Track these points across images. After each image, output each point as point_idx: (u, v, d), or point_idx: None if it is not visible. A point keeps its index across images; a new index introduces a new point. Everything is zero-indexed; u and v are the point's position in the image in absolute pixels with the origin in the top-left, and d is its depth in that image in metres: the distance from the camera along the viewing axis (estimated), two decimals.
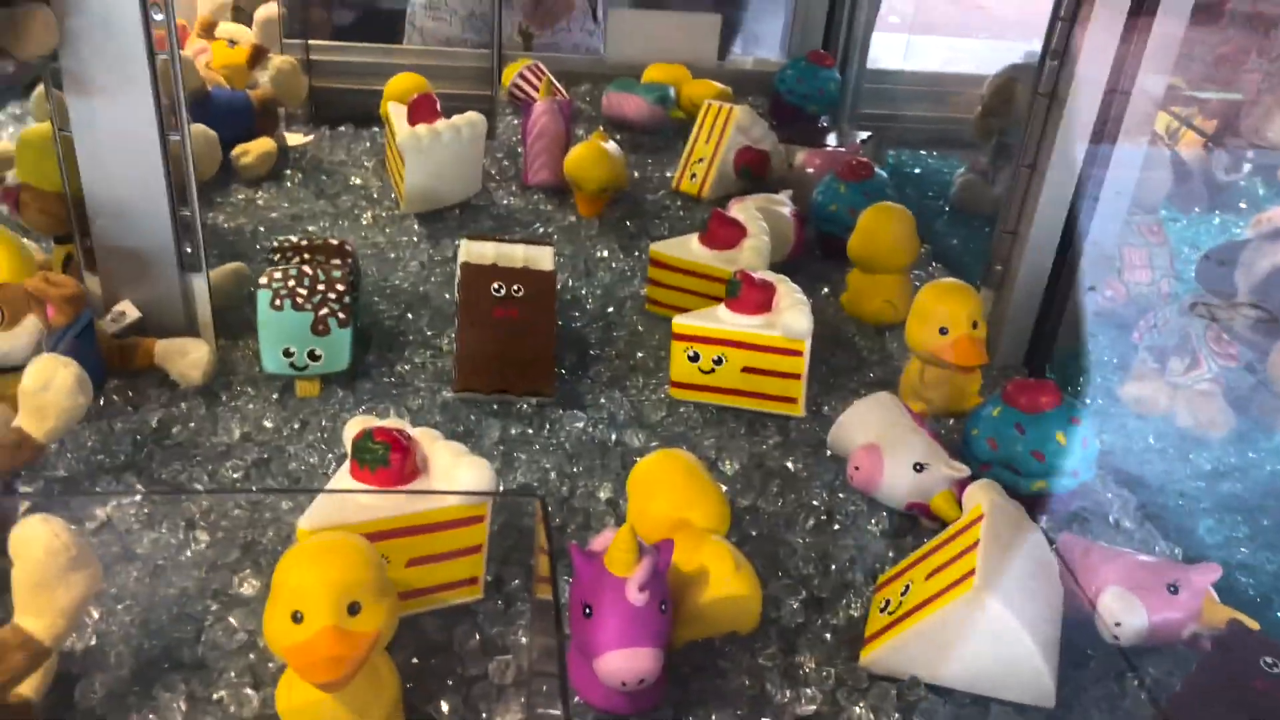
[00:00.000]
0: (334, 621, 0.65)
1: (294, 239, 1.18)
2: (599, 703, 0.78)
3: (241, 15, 1.76)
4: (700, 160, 1.66)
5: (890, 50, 2.33)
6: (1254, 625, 0.84)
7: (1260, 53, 1.55)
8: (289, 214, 1.50)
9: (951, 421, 1.18)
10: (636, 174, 1.71)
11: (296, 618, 0.65)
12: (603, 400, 1.16)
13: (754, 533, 1.00)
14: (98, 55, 1.01)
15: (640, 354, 1.26)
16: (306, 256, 1.17)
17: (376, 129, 1.74)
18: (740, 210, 1.36)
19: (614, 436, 1.11)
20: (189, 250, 1.12)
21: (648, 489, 0.89)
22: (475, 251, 1.19)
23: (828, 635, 0.89)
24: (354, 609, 0.66)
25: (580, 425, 1.11)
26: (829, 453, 1.11)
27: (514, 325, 1.14)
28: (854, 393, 1.19)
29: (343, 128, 1.77)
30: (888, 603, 0.87)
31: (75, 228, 1.13)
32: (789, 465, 1.10)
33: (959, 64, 2.56)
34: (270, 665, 0.80)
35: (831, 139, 1.93)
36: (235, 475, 1.01)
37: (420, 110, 1.46)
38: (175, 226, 1.10)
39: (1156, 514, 1.09)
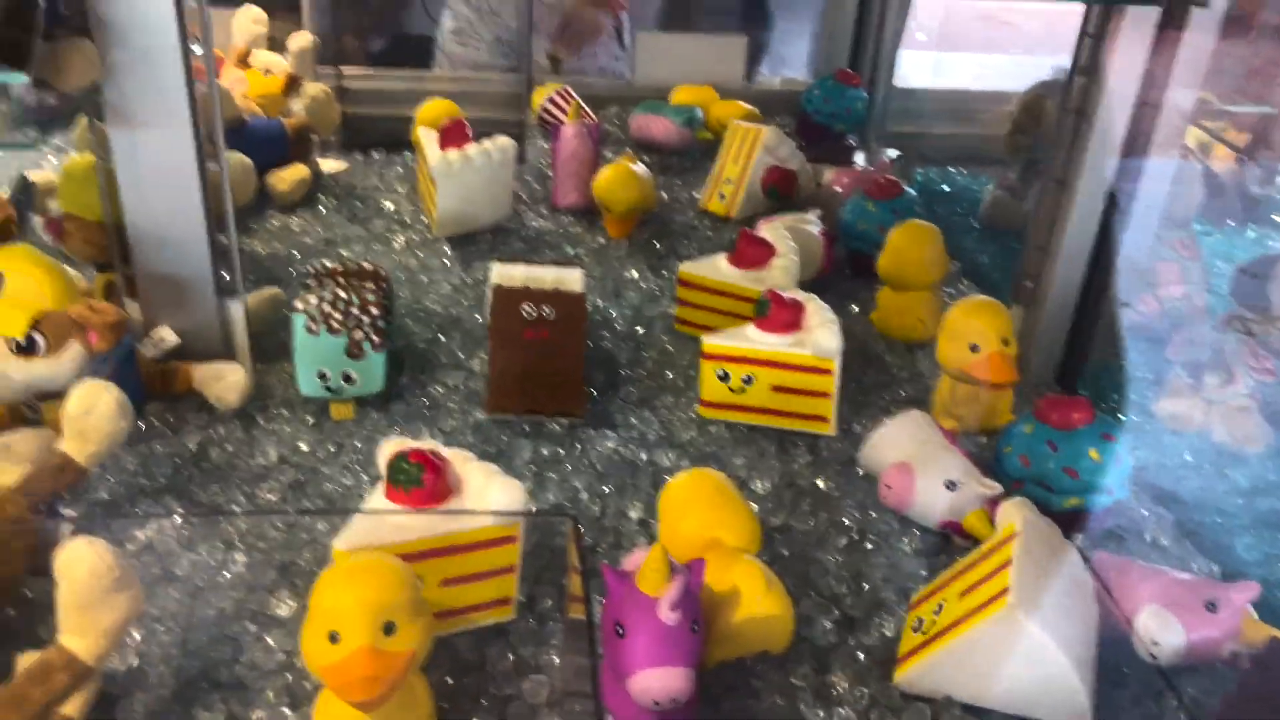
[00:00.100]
0: (370, 641, 0.66)
1: (328, 263, 1.20)
2: None
3: (276, 45, 1.79)
4: (728, 180, 1.67)
5: (918, 68, 2.33)
6: None
7: None
8: (323, 239, 1.52)
9: (983, 439, 1.17)
10: (665, 195, 1.72)
11: (333, 638, 0.66)
12: (633, 420, 1.17)
13: (785, 552, 1.00)
14: (138, 87, 1.03)
15: (670, 374, 1.27)
16: (341, 281, 1.18)
17: (408, 154, 1.76)
18: (769, 230, 1.37)
19: (645, 456, 1.11)
20: (226, 276, 1.14)
21: (679, 508, 0.89)
22: (506, 274, 1.20)
23: (861, 655, 0.89)
24: (390, 629, 0.67)
25: (611, 445, 1.12)
26: (860, 471, 1.11)
27: (544, 346, 1.15)
28: (885, 411, 1.19)
29: (375, 153, 1.79)
30: (921, 621, 0.87)
31: (116, 256, 1.16)
32: (820, 484, 1.10)
33: (987, 81, 2.55)
34: (307, 685, 0.81)
35: (859, 157, 1.93)
36: (272, 497, 1.02)
37: (451, 135, 1.48)
38: (213, 253, 1.13)
39: (1193, 531, 1.08)
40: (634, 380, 1.25)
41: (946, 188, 1.89)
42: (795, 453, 1.14)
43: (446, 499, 0.84)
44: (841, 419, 1.17)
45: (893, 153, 1.93)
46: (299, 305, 1.09)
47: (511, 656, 0.85)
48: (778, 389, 1.14)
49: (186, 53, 1.02)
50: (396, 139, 1.76)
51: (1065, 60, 1.21)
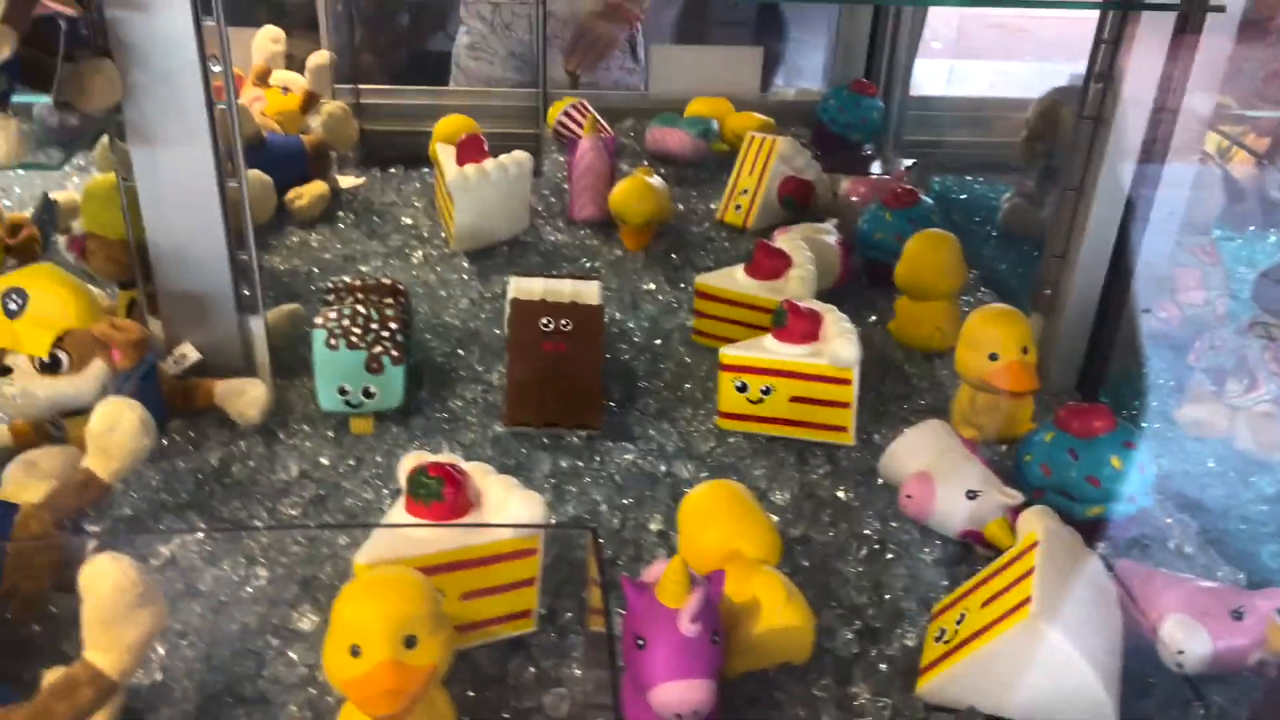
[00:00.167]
0: (391, 655, 0.66)
1: (347, 279, 1.21)
2: None
3: (294, 63, 1.80)
4: (744, 191, 1.67)
5: (933, 76, 2.33)
6: None
7: None
8: (342, 255, 1.53)
9: (1004, 448, 1.17)
10: (681, 207, 1.72)
11: (355, 652, 0.66)
12: (652, 432, 1.17)
13: (806, 563, 1.00)
14: (159, 107, 1.05)
15: (688, 385, 1.27)
16: (360, 296, 1.19)
17: (426, 170, 1.77)
18: (785, 240, 1.37)
19: (663, 468, 1.11)
20: (246, 293, 1.15)
21: (698, 520, 0.89)
22: (524, 288, 1.21)
23: (883, 665, 0.88)
24: (411, 642, 0.67)
25: (630, 457, 1.12)
26: (880, 481, 1.11)
27: (562, 359, 1.15)
28: (904, 420, 1.19)
29: (393, 169, 1.80)
30: (943, 632, 0.86)
31: (138, 274, 1.17)
32: (840, 494, 1.09)
33: (1003, 88, 2.55)
34: (330, 699, 0.81)
35: (875, 167, 1.93)
36: (293, 512, 1.03)
37: (468, 150, 1.48)
38: (233, 270, 1.14)
39: (1218, 539, 1.07)
40: (652, 392, 1.25)
41: (963, 196, 1.88)
42: (814, 463, 1.14)
43: (467, 512, 0.85)
44: (861, 429, 1.17)
45: (909, 162, 1.93)
46: (319, 321, 1.10)
47: (532, 669, 0.85)
48: (796, 399, 1.14)
49: (206, 72, 1.04)
50: (414, 155, 1.77)
51: (1081, 66, 1.20)
